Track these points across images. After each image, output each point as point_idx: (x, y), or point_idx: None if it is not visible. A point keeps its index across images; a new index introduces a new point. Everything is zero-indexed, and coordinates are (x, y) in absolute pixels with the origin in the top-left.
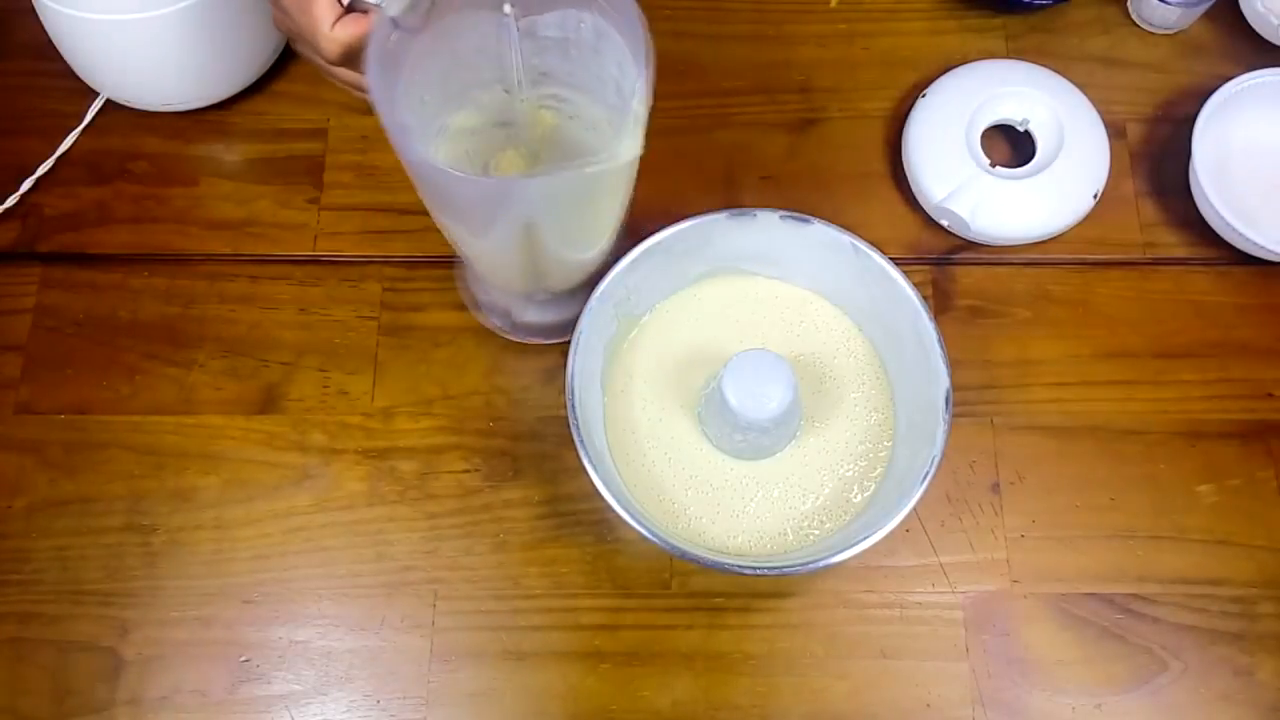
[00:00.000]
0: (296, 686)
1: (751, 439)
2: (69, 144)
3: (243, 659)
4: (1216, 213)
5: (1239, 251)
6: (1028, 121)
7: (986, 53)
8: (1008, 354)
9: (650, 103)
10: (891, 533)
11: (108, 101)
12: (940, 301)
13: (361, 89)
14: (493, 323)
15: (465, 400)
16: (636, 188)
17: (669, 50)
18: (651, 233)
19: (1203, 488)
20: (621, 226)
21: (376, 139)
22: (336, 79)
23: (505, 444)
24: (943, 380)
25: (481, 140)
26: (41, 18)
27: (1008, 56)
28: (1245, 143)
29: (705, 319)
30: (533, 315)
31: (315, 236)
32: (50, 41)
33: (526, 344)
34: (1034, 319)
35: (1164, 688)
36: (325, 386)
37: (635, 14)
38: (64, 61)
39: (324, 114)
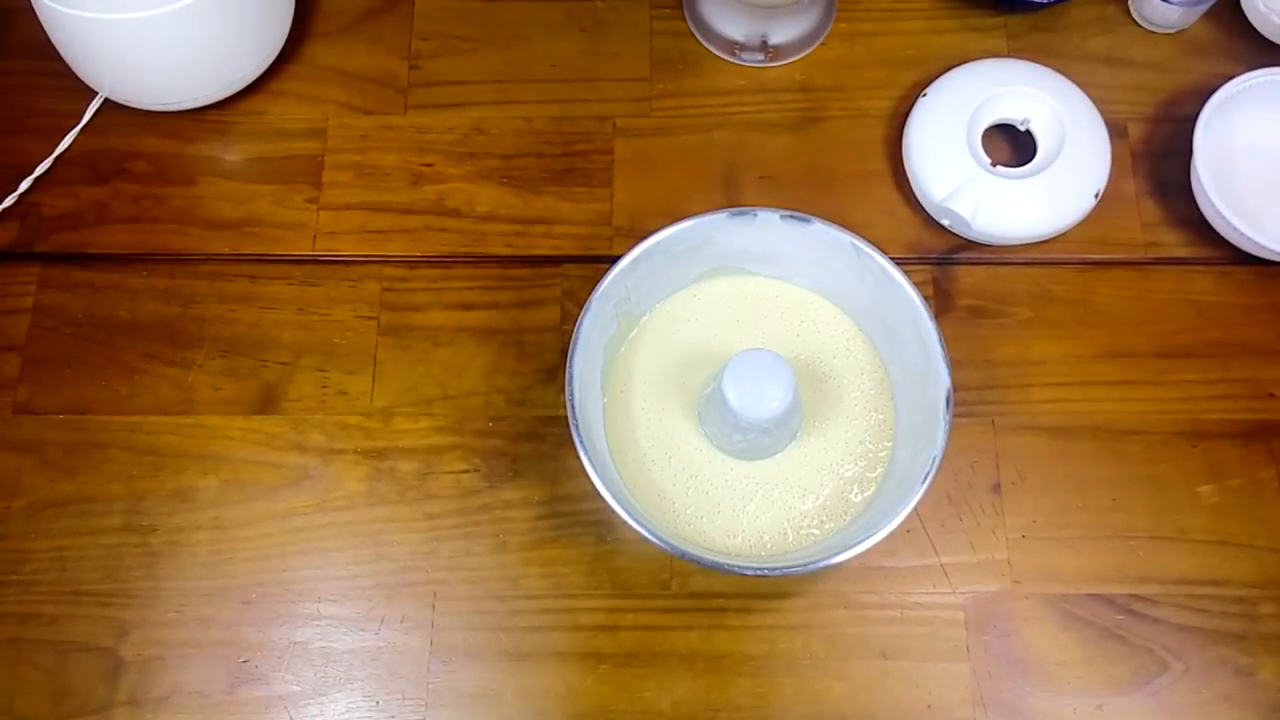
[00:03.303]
0: (296, 687)
1: (751, 439)
2: (67, 143)
3: (242, 660)
4: (1218, 212)
5: (1240, 251)
6: (1028, 121)
7: (987, 52)
8: (1008, 354)
9: None
10: (892, 533)
11: (106, 101)
12: (941, 301)
13: None
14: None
15: (465, 400)
16: (636, 187)
17: (669, 49)
18: (651, 233)
19: (1204, 488)
20: None
21: (375, 138)
22: None
23: (505, 444)
24: (943, 380)
25: None
26: (40, 16)
27: (1009, 56)
28: (1247, 142)
29: (705, 319)
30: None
31: (314, 236)
32: (49, 40)
33: (524, 340)
34: (1035, 319)
35: (1165, 688)
36: (324, 386)
37: None
38: (63, 60)
39: (323, 113)
